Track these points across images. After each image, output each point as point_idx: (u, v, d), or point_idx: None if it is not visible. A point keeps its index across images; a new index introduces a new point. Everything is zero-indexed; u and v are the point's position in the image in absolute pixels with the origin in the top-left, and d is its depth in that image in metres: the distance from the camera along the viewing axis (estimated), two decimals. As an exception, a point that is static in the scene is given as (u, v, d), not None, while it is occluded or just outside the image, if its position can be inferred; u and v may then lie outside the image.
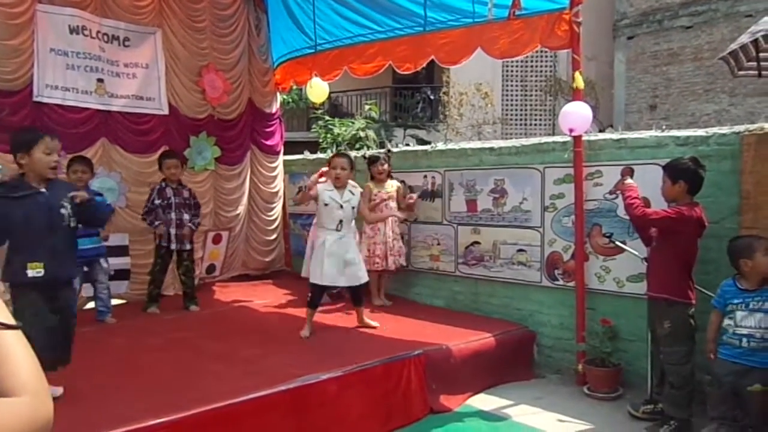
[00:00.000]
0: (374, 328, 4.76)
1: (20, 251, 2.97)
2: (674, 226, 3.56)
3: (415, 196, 5.80)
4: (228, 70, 6.79)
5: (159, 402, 3.12)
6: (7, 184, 3.04)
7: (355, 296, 4.82)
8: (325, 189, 4.58)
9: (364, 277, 4.69)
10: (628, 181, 3.98)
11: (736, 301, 3.36)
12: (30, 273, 2.93)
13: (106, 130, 5.83)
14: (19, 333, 0.86)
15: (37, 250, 2.96)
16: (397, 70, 5.95)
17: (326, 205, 4.53)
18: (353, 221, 4.75)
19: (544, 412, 3.99)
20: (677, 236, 3.60)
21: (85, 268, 5.00)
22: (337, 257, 4.51)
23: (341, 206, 4.53)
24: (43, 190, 3.05)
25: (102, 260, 5.10)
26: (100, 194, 5.08)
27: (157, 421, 2.88)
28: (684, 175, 3.61)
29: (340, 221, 4.53)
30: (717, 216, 3.84)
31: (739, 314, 3.33)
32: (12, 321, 0.86)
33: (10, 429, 0.76)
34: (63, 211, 3.07)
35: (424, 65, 5.90)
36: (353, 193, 4.63)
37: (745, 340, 3.27)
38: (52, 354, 2.96)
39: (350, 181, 4.66)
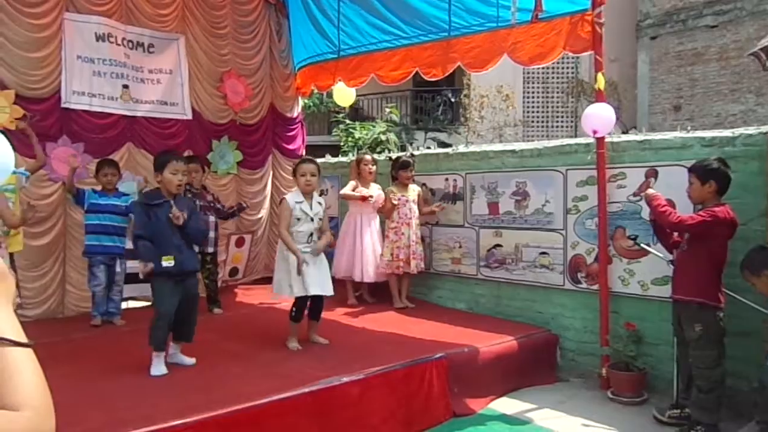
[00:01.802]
0: (325, 344, 4.44)
1: (157, 248, 3.77)
2: (710, 229, 3.51)
3: (443, 205, 5.82)
4: (249, 76, 6.87)
5: (183, 403, 3.16)
6: (147, 195, 3.93)
7: (316, 308, 4.48)
8: (295, 201, 4.33)
9: (330, 290, 4.44)
10: (650, 190, 3.92)
11: None
12: (164, 263, 3.74)
13: (131, 135, 5.94)
14: (29, 351, 0.87)
15: (167, 247, 3.77)
16: (425, 77, 5.94)
17: (298, 219, 4.30)
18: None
19: (567, 417, 3.96)
20: (710, 239, 3.55)
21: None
22: (314, 271, 4.30)
23: (312, 219, 4.34)
24: (171, 201, 3.84)
25: (120, 261, 5.18)
26: (127, 194, 5.27)
27: (182, 421, 2.91)
28: (714, 175, 3.56)
29: (311, 234, 4.35)
30: (744, 218, 3.77)
31: None
32: (24, 339, 0.87)
33: None
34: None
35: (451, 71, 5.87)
36: (321, 204, 4.44)
37: None
38: (174, 327, 3.86)
39: (315, 193, 4.47)
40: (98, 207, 5.06)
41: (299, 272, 4.22)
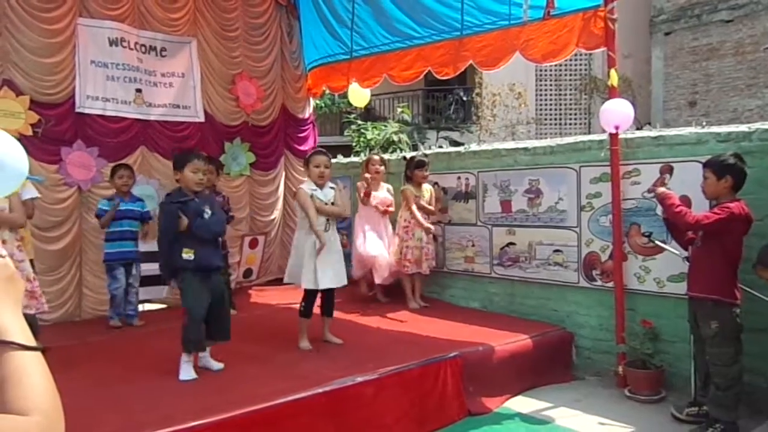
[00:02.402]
0: (338, 344, 4.45)
1: (180, 242, 3.78)
2: (726, 226, 3.47)
3: (431, 229, 5.75)
4: (261, 78, 6.89)
5: (199, 404, 3.18)
6: (173, 194, 3.93)
7: (327, 304, 4.50)
8: (310, 189, 4.35)
9: (344, 280, 4.48)
10: (661, 189, 3.86)
11: None
12: (184, 256, 3.76)
13: (145, 139, 5.98)
14: (38, 355, 0.86)
15: (189, 242, 3.78)
16: (437, 76, 5.92)
17: (317, 202, 4.34)
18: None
19: (583, 415, 3.93)
20: (725, 235, 3.51)
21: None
22: (328, 259, 4.33)
23: (326, 205, 4.37)
24: (195, 198, 3.86)
25: (135, 264, 5.24)
26: (141, 200, 5.30)
27: (199, 422, 2.93)
28: (730, 170, 3.52)
29: (327, 221, 4.38)
30: (760, 213, 3.73)
31: None
32: (33, 343, 0.87)
33: None
34: (205, 215, 3.87)
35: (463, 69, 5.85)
36: (333, 189, 4.47)
37: None
38: (206, 327, 3.83)
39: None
40: (114, 214, 5.11)
41: (318, 254, 4.24)
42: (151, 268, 5.42)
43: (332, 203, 4.43)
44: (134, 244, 5.20)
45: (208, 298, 3.79)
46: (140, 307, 5.48)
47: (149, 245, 5.39)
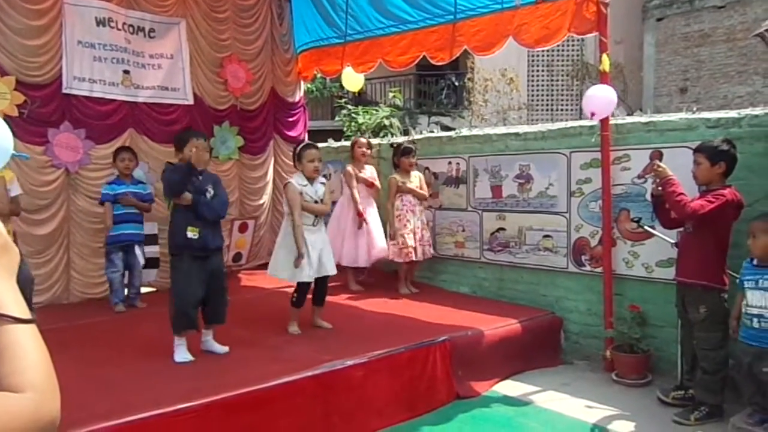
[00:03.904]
0: (328, 329, 4.46)
1: (184, 218, 3.78)
2: (720, 213, 3.48)
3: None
4: (250, 61, 6.81)
5: (189, 387, 3.17)
6: (175, 164, 3.88)
7: (320, 293, 4.51)
8: (300, 184, 4.32)
9: (333, 269, 4.51)
10: (667, 172, 3.71)
11: (748, 277, 3.28)
12: (189, 234, 3.75)
13: (133, 121, 5.91)
14: (33, 328, 0.83)
15: (194, 219, 3.77)
16: (432, 61, 5.86)
17: (305, 201, 4.32)
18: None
19: (571, 398, 3.96)
20: (718, 221, 3.52)
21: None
22: (316, 252, 4.33)
23: (315, 202, 4.36)
24: (200, 177, 3.85)
25: (139, 247, 5.23)
26: (143, 182, 5.30)
27: (188, 404, 2.93)
28: (724, 156, 3.52)
29: (316, 216, 4.39)
30: (750, 199, 3.74)
31: (749, 293, 3.24)
32: (28, 315, 0.84)
33: (9, 423, 0.73)
34: (207, 195, 3.86)
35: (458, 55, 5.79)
36: (323, 184, 4.47)
37: (756, 320, 3.17)
38: (202, 309, 3.83)
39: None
40: (118, 197, 5.11)
41: (297, 265, 4.24)
42: (153, 249, 5.46)
43: (321, 200, 4.41)
44: (136, 227, 5.20)
45: (202, 280, 3.74)
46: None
47: (147, 228, 5.43)
